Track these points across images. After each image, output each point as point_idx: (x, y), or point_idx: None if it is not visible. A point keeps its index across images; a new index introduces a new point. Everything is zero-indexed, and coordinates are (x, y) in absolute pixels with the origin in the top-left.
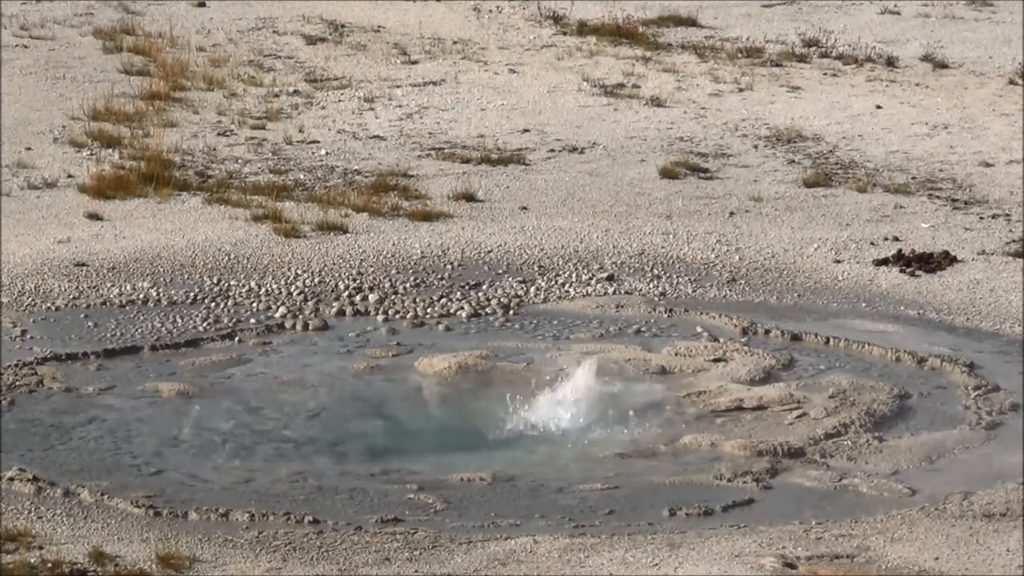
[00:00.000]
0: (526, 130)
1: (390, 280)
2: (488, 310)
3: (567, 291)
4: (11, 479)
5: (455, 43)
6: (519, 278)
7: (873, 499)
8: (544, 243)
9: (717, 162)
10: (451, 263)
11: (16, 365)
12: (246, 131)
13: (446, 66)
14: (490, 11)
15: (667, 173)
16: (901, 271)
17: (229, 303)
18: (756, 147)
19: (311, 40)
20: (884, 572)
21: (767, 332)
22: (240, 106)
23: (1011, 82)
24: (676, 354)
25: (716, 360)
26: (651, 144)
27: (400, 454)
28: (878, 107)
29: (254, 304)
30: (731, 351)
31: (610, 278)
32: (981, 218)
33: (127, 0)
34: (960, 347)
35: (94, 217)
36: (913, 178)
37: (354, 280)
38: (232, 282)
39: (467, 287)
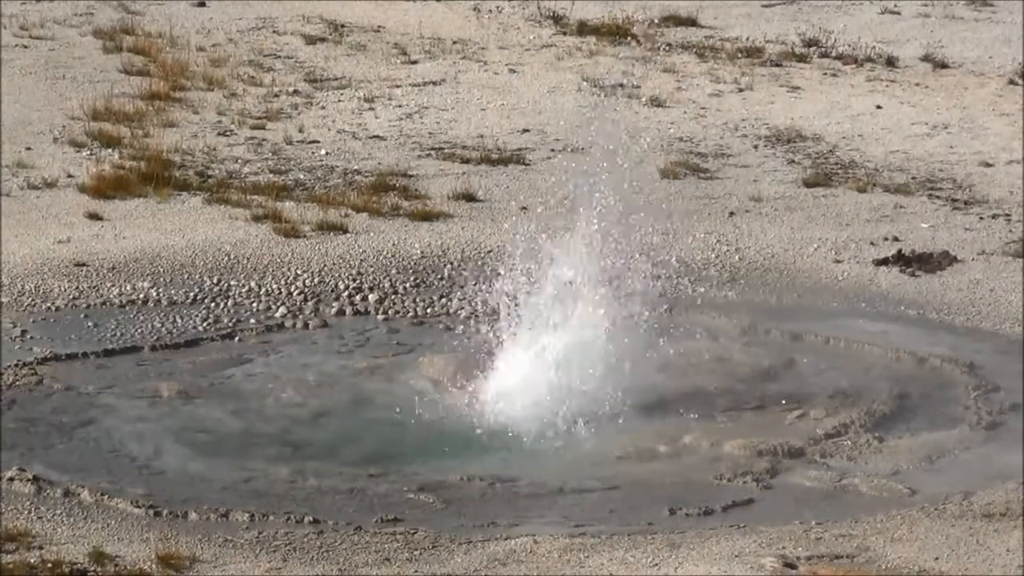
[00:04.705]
0: (526, 130)
1: (390, 280)
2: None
3: None
4: (11, 479)
5: (455, 43)
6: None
7: (873, 499)
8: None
9: (717, 162)
10: (451, 263)
11: (16, 365)
12: (246, 131)
13: (446, 66)
14: (490, 11)
15: (667, 173)
16: (901, 271)
17: (229, 303)
18: (756, 147)
19: (311, 40)
20: (884, 572)
21: (767, 332)
22: (240, 106)
23: (1011, 82)
24: (677, 352)
25: (716, 359)
26: (651, 144)
27: (400, 454)
28: (878, 107)
29: (254, 304)
30: (731, 351)
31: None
32: (981, 218)
33: (127, 0)
34: (960, 347)
35: (94, 217)
36: (913, 178)
37: (354, 280)
38: (232, 282)
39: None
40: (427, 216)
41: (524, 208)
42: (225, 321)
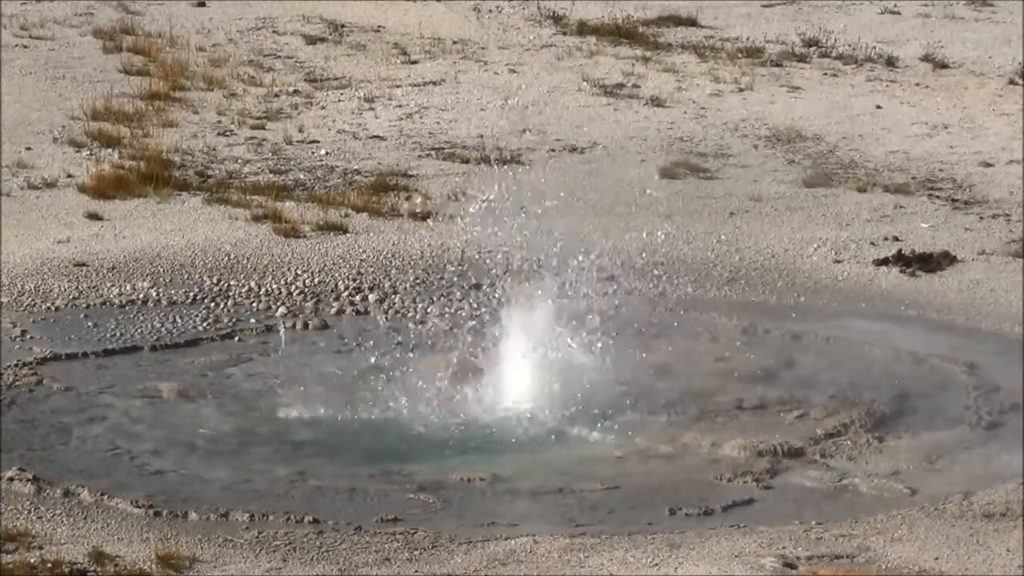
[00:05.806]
0: (526, 130)
1: (390, 280)
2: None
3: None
4: (11, 479)
5: (455, 43)
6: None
7: (873, 499)
8: (544, 243)
9: (717, 162)
10: (451, 263)
11: (16, 365)
12: (246, 131)
13: (446, 66)
14: (490, 11)
15: (667, 173)
16: (901, 271)
17: (229, 303)
18: (756, 147)
19: (311, 40)
20: (884, 572)
21: (767, 332)
22: (240, 106)
23: (1011, 82)
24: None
25: (716, 360)
26: (651, 144)
27: (400, 454)
28: (878, 107)
29: (254, 304)
30: (731, 351)
31: (610, 278)
32: (981, 218)
33: (127, 0)
34: (960, 347)
35: (94, 217)
36: (913, 178)
37: (354, 280)
38: (232, 282)
39: (467, 287)
40: (427, 216)
41: (523, 208)
42: (225, 321)
